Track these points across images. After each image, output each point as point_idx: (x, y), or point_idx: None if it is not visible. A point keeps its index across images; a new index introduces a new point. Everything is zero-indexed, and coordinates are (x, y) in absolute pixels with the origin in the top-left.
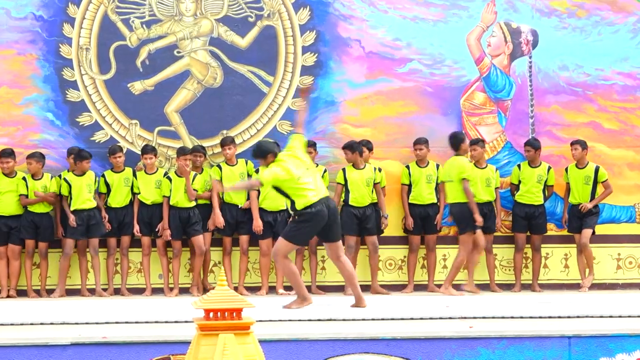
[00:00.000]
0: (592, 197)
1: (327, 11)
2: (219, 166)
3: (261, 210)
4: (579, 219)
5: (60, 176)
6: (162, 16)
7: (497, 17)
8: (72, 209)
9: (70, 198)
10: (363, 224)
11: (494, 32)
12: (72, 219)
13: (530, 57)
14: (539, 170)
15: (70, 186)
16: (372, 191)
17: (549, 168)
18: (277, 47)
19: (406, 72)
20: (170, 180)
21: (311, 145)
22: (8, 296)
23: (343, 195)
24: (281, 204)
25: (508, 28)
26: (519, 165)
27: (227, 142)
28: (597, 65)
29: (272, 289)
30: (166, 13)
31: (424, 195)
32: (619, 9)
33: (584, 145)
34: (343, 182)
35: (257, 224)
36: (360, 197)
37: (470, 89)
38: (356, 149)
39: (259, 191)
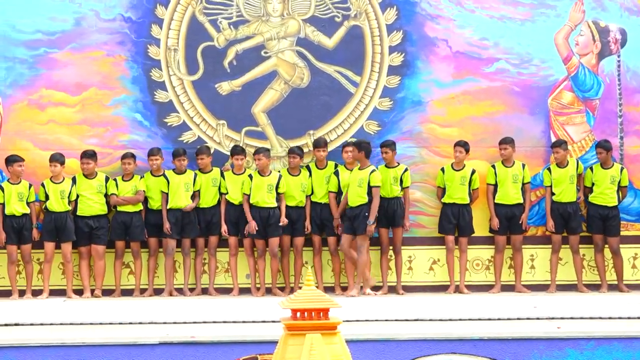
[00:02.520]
0: None
1: (414, 11)
2: (308, 168)
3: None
4: None
5: (141, 176)
6: (249, 17)
7: (585, 16)
8: (168, 207)
9: (168, 196)
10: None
11: (582, 31)
12: (167, 227)
13: (618, 56)
14: (611, 171)
15: (169, 183)
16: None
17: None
18: (364, 47)
19: (493, 72)
20: (251, 178)
21: (388, 145)
22: (94, 296)
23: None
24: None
25: (596, 27)
26: (591, 168)
27: (320, 144)
28: None
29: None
30: (253, 14)
31: (510, 195)
32: None
33: None
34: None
35: (337, 223)
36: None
37: (558, 88)
38: (363, 149)
39: (340, 191)
